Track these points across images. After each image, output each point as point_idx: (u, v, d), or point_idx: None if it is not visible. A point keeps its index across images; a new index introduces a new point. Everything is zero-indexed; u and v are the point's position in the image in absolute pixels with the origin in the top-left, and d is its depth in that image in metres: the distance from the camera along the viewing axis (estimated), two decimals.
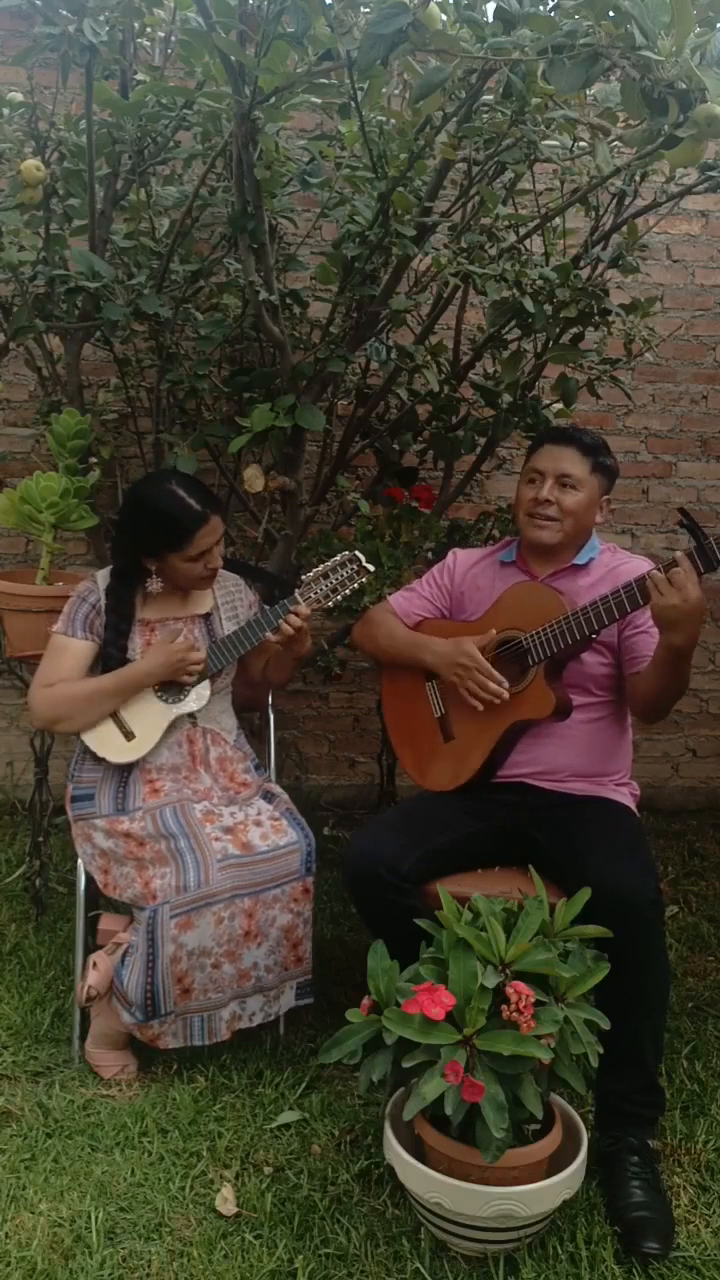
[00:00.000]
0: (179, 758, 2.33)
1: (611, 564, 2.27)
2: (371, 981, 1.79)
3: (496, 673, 2.16)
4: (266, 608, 2.33)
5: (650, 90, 1.56)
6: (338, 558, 2.27)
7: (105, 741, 2.29)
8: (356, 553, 2.27)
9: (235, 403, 2.96)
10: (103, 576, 2.37)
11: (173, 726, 2.32)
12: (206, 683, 2.33)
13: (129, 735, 2.29)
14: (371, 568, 2.28)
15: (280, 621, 2.26)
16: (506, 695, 2.15)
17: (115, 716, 2.29)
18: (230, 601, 2.44)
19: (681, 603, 1.88)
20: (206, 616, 2.40)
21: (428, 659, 2.28)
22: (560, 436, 2.28)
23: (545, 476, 2.22)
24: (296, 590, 2.28)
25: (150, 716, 2.29)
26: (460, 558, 2.43)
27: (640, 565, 2.24)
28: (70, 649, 2.30)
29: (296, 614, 2.25)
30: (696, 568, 1.90)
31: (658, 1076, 2.01)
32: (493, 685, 2.15)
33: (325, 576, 2.27)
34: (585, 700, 2.21)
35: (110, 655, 2.29)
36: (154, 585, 2.32)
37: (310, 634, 2.34)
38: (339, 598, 2.28)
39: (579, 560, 2.27)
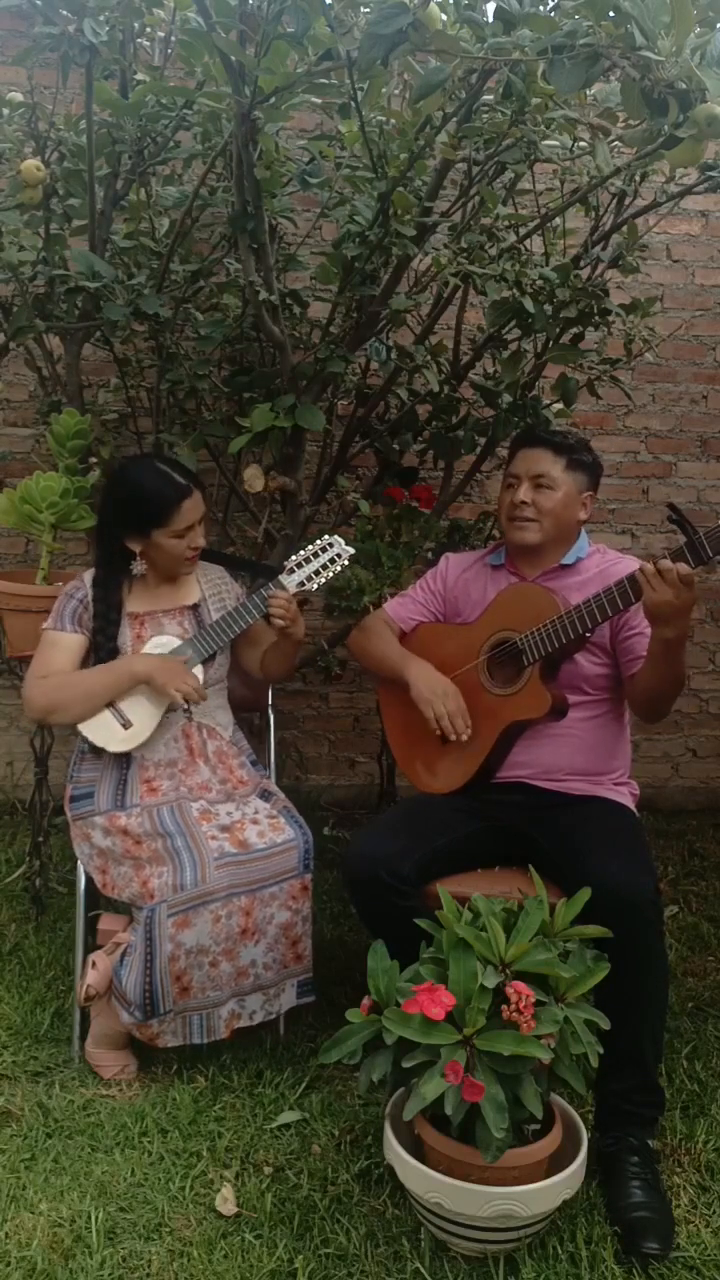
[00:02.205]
0: (176, 752, 2.34)
1: (602, 564, 2.28)
2: (371, 981, 1.79)
3: (466, 715, 2.21)
4: (252, 594, 2.35)
5: (650, 90, 1.56)
6: (319, 542, 2.32)
7: (103, 731, 2.29)
8: (336, 536, 2.32)
9: (235, 403, 2.96)
10: (90, 574, 2.38)
11: (169, 721, 2.32)
12: (200, 668, 2.33)
13: (126, 724, 2.29)
14: (351, 549, 2.32)
15: (268, 604, 2.28)
16: (465, 738, 2.20)
17: (112, 706, 2.29)
18: (217, 593, 2.45)
19: (675, 598, 1.89)
20: (195, 607, 2.41)
21: (407, 679, 2.29)
22: (532, 439, 2.30)
23: (521, 480, 2.25)
24: (280, 575, 2.31)
25: (146, 704, 2.30)
26: (452, 562, 2.45)
27: (631, 564, 2.25)
28: (61, 642, 2.31)
29: (278, 596, 2.27)
30: (686, 562, 1.91)
31: (658, 1076, 2.01)
32: (460, 723, 2.20)
33: (307, 561, 2.31)
34: (581, 700, 2.22)
35: (100, 645, 2.31)
36: (138, 568, 2.34)
37: (301, 618, 2.34)
38: (322, 580, 2.31)
39: (566, 560, 2.28)
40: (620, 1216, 1.83)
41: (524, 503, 2.23)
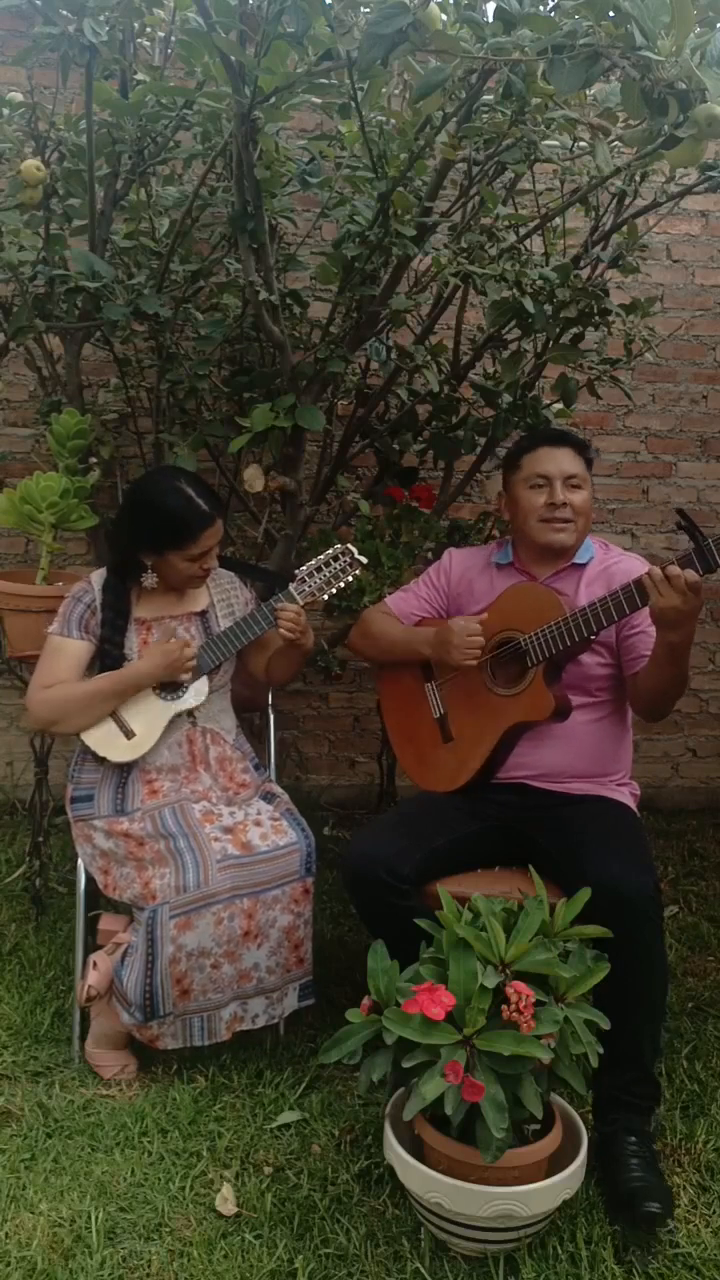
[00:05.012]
0: (178, 758, 2.33)
1: (606, 561, 2.28)
2: (371, 981, 1.79)
3: (478, 635, 2.17)
4: (262, 603, 2.33)
5: (650, 90, 1.56)
6: (330, 551, 2.29)
7: (106, 741, 2.28)
8: (349, 545, 2.28)
9: (235, 403, 2.96)
10: (98, 577, 2.37)
11: (172, 726, 2.31)
12: (205, 678, 2.33)
13: (129, 734, 2.28)
14: (364, 560, 2.29)
15: (276, 617, 2.26)
16: (481, 640, 2.17)
17: (115, 716, 2.29)
18: (226, 599, 2.44)
19: (682, 604, 1.89)
20: (203, 614, 2.40)
21: (425, 650, 2.28)
22: (556, 438, 2.30)
23: (553, 480, 2.23)
24: (290, 585, 2.29)
25: (149, 714, 2.29)
26: (455, 558, 2.43)
27: (634, 564, 2.25)
28: (66, 650, 2.30)
29: (287, 609, 2.26)
30: (695, 569, 1.90)
31: (656, 1074, 2.01)
32: (476, 638, 2.16)
33: (319, 570, 2.29)
34: (585, 701, 2.21)
35: (107, 653, 2.30)
36: (149, 580, 2.33)
37: (310, 630, 2.34)
38: (333, 591, 2.29)
39: (580, 559, 2.28)
40: (620, 1189, 1.84)
41: (564, 504, 2.21)
